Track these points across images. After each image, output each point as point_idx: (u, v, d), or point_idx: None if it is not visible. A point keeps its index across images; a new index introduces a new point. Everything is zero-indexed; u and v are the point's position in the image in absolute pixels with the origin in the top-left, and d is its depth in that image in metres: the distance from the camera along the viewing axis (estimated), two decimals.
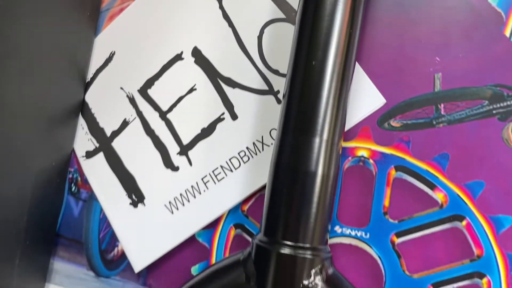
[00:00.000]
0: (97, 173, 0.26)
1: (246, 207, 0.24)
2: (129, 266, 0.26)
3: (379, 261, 0.22)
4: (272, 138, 0.23)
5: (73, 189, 0.27)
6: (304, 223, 0.19)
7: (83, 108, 0.27)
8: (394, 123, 0.22)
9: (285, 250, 0.19)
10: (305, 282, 0.20)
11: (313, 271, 0.19)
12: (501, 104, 0.21)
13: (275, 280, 0.20)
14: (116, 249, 0.26)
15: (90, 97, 0.27)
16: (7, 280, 0.25)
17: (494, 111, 0.21)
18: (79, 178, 0.27)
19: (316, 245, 0.20)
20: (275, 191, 0.20)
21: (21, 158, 0.24)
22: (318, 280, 0.20)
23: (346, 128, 0.22)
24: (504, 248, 0.20)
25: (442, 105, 0.22)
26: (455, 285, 0.21)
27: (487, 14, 0.21)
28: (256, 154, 0.24)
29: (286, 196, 0.20)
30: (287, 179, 0.20)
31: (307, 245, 0.19)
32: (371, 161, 0.22)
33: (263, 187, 0.24)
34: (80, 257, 0.27)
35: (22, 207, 0.25)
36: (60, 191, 0.27)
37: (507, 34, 0.21)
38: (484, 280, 0.20)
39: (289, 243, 0.19)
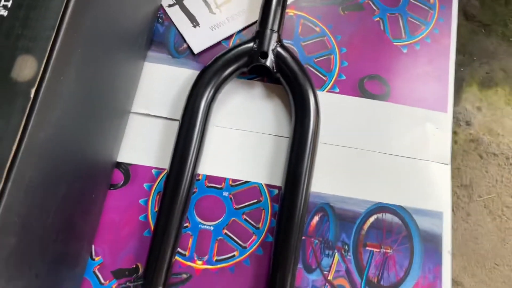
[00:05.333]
0: (175, 13, 0.58)
1: None
2: (189, 54, 0.57)
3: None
4: None
5: (159, 20, 0.58)
6: (279, 22, 0.55)
7: None
8: None
9: (267, 32, 0.54)
10: (272, 47, 0.54)
11: (277, 42, 0.54)
12: None
13: (261, 46, 0.54)
14: (183, 46, 0.57)
15: None
16: (137, 49, 0.54)
17: None
18: (163, 16, 0.58)
19: (280, 33, 0.55)
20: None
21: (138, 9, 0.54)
22: (279, 45, 0.54)
23: None
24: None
25: None
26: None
27: None
28: None
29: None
30: None
31: (276, 31, 0.54)
32: None
33: None
34: (163, 50, 0.57)
35: (144, 27, 0.55)
36: (153, 20, 0.58)
37: None
38: None
39: (274, 29, 0.54)
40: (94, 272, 0.49)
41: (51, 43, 0.35)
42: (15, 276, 0.35)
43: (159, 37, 0.58)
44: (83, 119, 0.42)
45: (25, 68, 0.34)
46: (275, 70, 0.54)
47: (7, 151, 0.32)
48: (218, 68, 0.54)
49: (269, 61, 0.53)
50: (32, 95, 0.33)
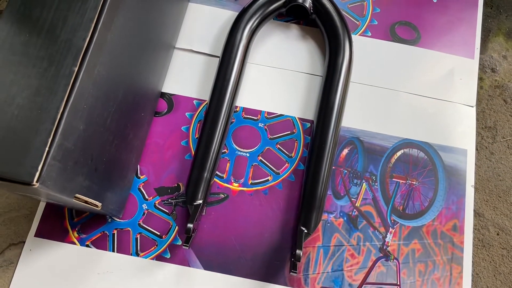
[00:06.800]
0: None
1: None
2: None
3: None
4: None
5: None
6: None
7: None
8: None
9: None
10: None
11: None
12: None
13: None
14: None
15: None
16: None
17: None
18: None
19: None
20: None
21: None
22: None
23: None
24: None
25: None
26: None
27: None
28: None
29: None
30: None
31: None
32: None
33: None
34: None
35: None
36: None
37: None
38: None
39: None
40: (139, 188, 0.53)
41: None
42: (80, 162, 0.39)
43: None
44: (137, 44, 0.46)
45: None
46: (311, 11, 0.57)
47: (81, 41, 0.36)
48: (257, 8, 0.58)
49: (307, 2, 0.57)
50: None
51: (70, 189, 0.39)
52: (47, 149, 0.34)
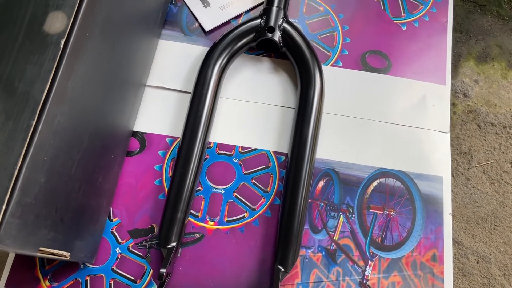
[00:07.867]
0: None
1: None
2: (200, 32, 0.61)
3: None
4: None
5: (173, 1, 0.62)
6: (285, 0, 0.58)
7: None
8: None
9: (274, 9, 0.58)
10: (279, 22, 0.58)
11: (283, 18, 0.58)
12: None
13: (268, 21, 0.57)
14: (194, 25, 0.61)
15: None
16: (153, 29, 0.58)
17: None
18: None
19: (286, 10, 0.58)
20: None
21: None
22: (285, 21, 0.58)
23: None
24: None
25: None
26: None
27: None
28: None
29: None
30: None
31: (282, 8, 0.58)
32: None
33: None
34: (176, 28, 0.61)
35: (158, 6, 0.58)
36: (167, 1, 0.61)
37: None
38: None
39: (280, 6, 0.58)
40: (112, 232, 0.52)
41: (78, 1, 0.38)
42: (43, 215, 0.38)
43: (172, 16, 0.62)
44: (104, 86, 0.46)
45: (56, 22, 0.37)
46: (281, 45, 0.57)
47: (39, 93, 0.36)
48: (227, 43, 0.58)
49: (276, 36, 0.57)
50: (62, 45, 0.37)
51: (33, 243, 0.38)
52: (4, 207, 0.33)
